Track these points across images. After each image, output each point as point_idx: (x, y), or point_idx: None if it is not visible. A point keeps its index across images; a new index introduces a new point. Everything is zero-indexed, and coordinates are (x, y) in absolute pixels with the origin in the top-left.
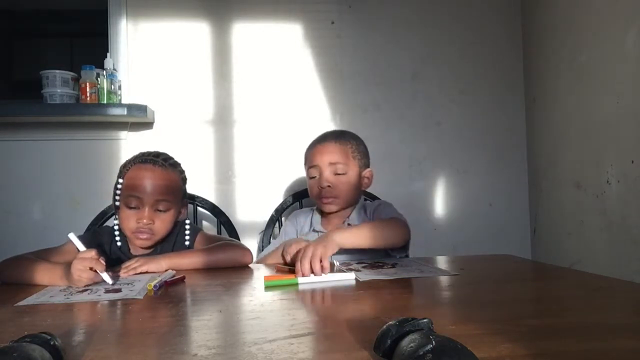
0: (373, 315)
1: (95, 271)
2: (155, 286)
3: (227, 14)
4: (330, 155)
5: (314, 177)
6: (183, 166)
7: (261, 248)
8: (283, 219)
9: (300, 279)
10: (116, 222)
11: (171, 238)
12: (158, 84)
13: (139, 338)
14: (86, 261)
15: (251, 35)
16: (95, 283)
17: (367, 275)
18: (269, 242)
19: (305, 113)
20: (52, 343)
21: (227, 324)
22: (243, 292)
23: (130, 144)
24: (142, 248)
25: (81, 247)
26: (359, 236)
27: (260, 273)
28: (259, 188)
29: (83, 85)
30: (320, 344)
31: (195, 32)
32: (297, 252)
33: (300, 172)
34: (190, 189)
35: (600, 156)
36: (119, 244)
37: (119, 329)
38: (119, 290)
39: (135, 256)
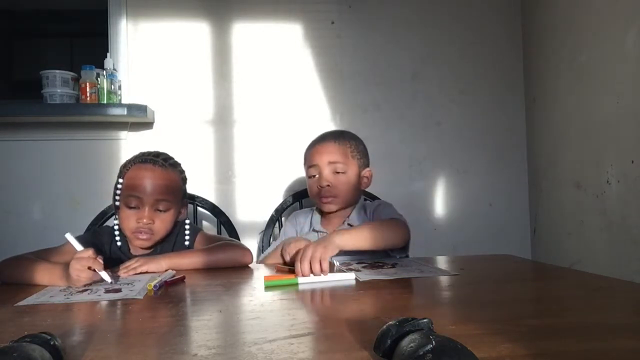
0: (373, 315)
1: (94, 270)
2: (155, 286)
3: (227, 14)
4: (330, 155)
5: (313, 177)
6: (183, 166)
7: (261, 248)
8: (283, 219)
9: (300, 279)
10: (116, 222)
11: (171, 238)
12: (158, 84)
13: (139, 338)
14: (84, 260)
15: (251, 35)
16: (95, 282)
17: (367, 275)
18: (269, 242)
19: (305, 113)
20: (52, 343)
21: (227, 324)
22: (243, 292)
23: (130, 144)
24: (142, 248)
25: (78, 247)
26: (359, 238)
27: (260, 273)
28: (259, 188)
29: (83, 85)
30: (320, 344)
31: (195, 32)
32: (297, 252)
33: (300, 172)
34: (190, 189)
35: (600, 156)
36: (119, 244)
37: (119, 329)
38: (119, 290)
39: (135, 256)
